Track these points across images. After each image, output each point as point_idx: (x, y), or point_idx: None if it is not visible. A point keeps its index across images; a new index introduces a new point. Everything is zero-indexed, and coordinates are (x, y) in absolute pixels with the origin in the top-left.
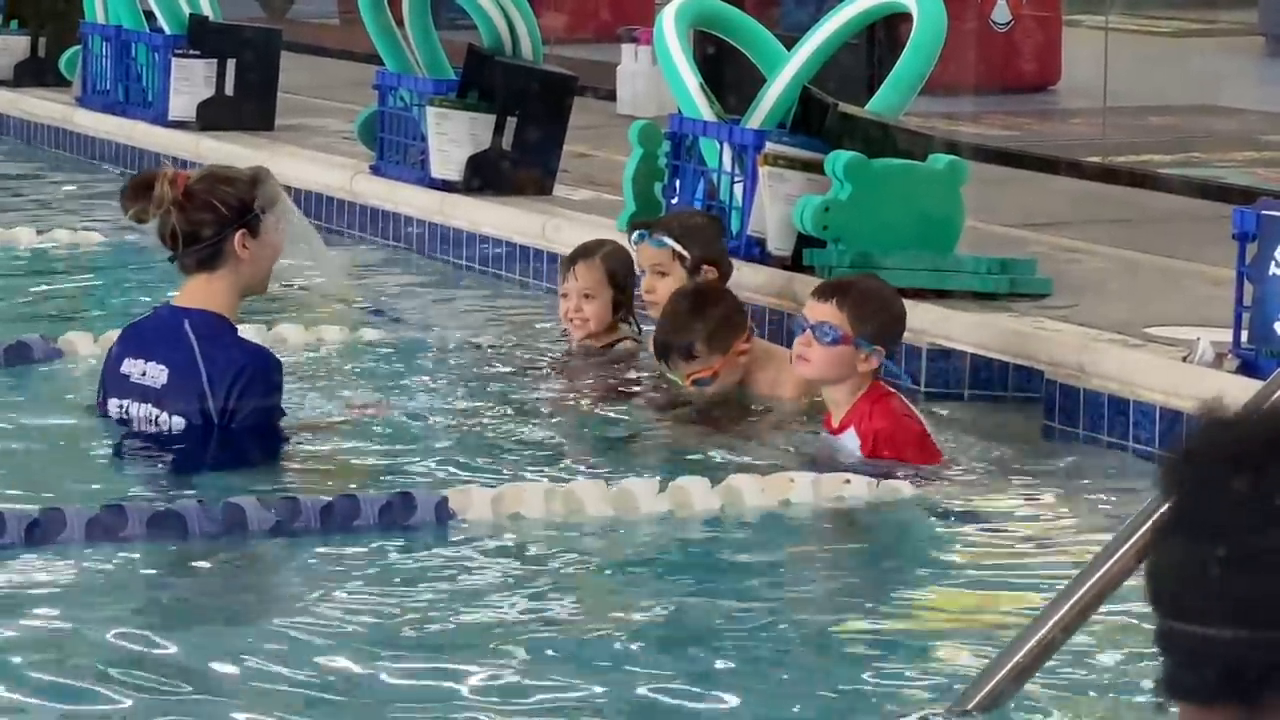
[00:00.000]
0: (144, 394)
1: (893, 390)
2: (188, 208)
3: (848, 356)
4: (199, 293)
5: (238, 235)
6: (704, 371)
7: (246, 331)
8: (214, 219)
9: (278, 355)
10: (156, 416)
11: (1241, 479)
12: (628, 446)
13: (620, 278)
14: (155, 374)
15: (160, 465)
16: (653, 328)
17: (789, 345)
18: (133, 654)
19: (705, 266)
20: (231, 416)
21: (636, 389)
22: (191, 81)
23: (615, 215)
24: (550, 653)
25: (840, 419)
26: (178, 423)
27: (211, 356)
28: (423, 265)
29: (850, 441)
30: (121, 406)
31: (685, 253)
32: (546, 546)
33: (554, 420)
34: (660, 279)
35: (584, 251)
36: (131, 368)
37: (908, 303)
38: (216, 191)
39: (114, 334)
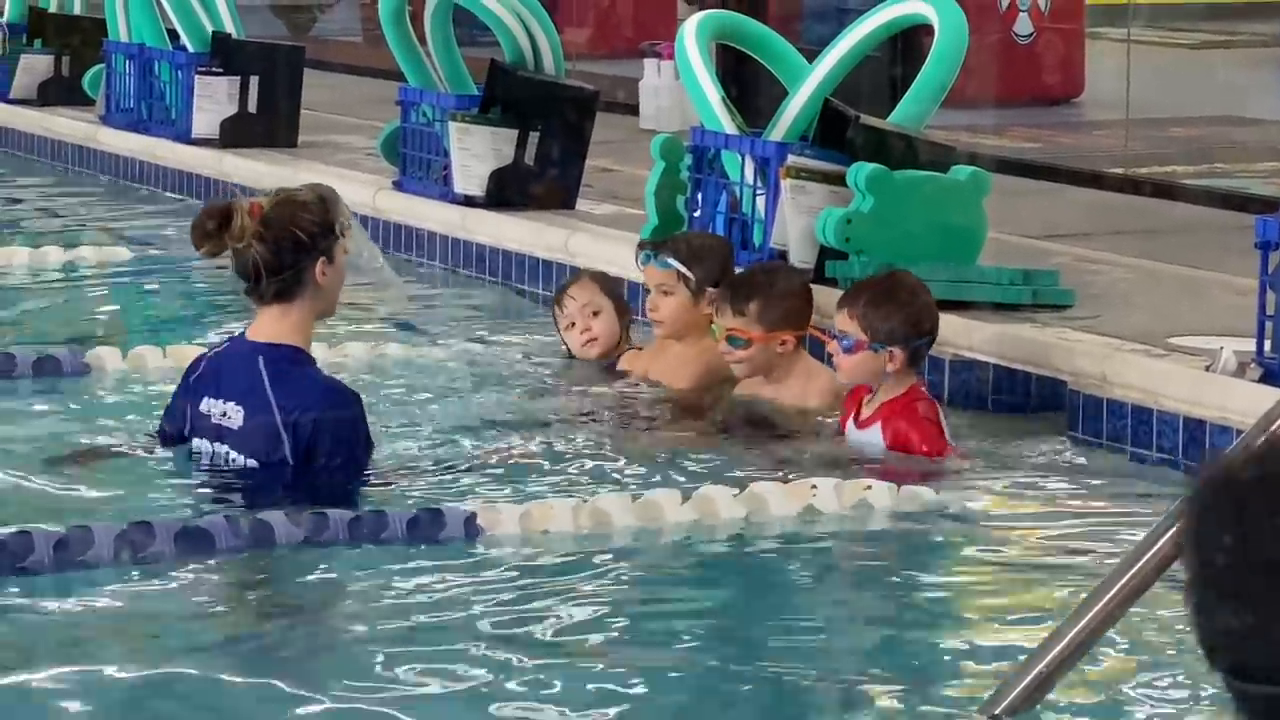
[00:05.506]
0: (219, 434)
1: (928, 397)
2: (268, 238)
3: (869, 361)
4: (274, 325)
5: (319, 263)
6: (741, 333)
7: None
8: (296, 247)
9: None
10: (229, 456)
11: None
12: (650, 457)
13: (613, 291)
14: (233, 414)
15: (230, 503)
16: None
17: (815, 355)
18: (158, 670)
19: (710, 290)
20: (309, 458)
21: (654, 400)
22: (215, 99)
23: (638, 229)
24: (581, 666)
25: (869, 415)
26: (251, 464)
27: (286, 398)
28: (446, 280)
29: (874, 436)
30: (199, 445)
31: (690, 274)
32: (574, 561)
33: (577, 434)
34: (664, 298)
35: (570, 280)
36: (211, 407)
37: None
38: (297, 219)
39: (144, 350)
